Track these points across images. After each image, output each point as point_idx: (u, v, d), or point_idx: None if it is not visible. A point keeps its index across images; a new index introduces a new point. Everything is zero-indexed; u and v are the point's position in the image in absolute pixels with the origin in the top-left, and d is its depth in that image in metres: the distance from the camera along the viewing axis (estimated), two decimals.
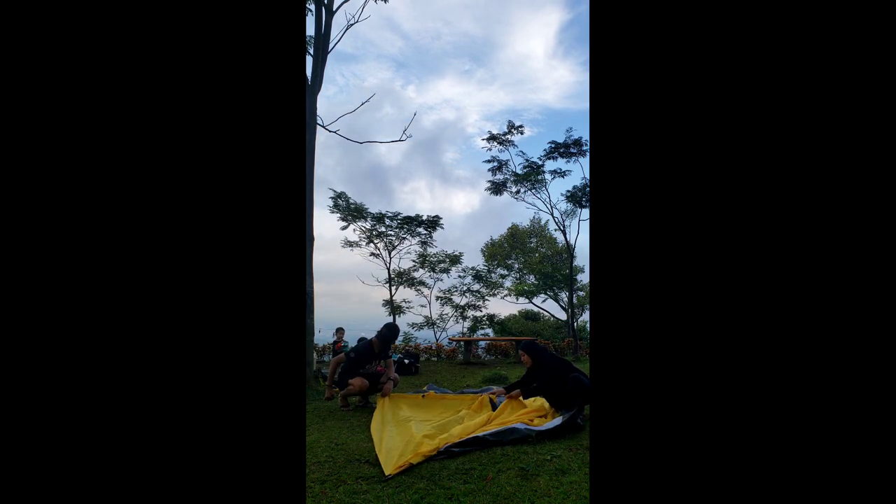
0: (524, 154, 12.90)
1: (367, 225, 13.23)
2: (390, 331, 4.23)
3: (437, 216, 13.60)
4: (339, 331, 8.98)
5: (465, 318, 15.07)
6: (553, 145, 12.37)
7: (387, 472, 2.23)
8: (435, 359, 9.75)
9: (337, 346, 8.78)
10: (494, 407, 3.55)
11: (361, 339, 8.71)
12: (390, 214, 13.20)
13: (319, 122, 5.82)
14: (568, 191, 13.01)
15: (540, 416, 3.19)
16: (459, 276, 15.01)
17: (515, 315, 17.64)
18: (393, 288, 14.00)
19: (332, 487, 2.04)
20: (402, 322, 14.40)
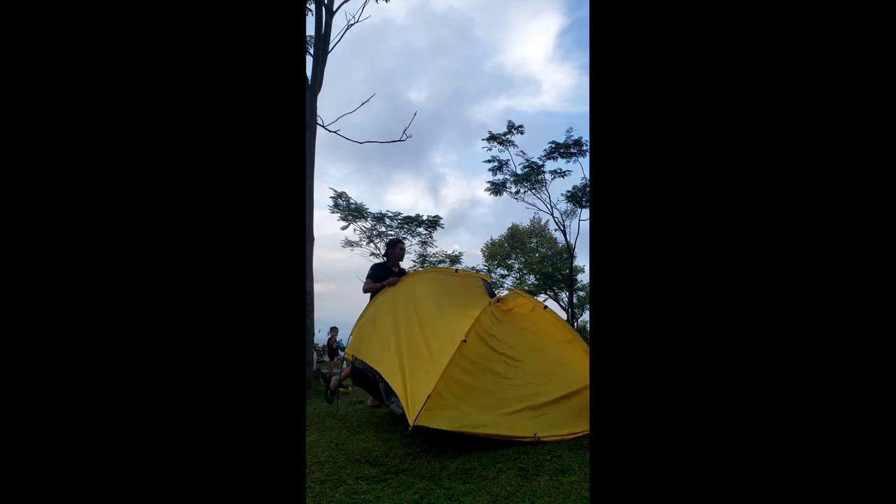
0: (524, 154, 12.90)
1: (368, 225, 13.24)
2: (392, 243, 4.13)
3: (437, 216, 13.62)
4: (334, 330, 9.20)
5: None
6: (553, 145, 12.38)
7: (411, 424, 2.37)
8: None
9: (331, 342, 8.94)
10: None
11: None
12: (391, 214, 13.22)
13: (319, 122, 5.82)
14: (568, 191, 13.03)
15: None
16: None
17: None
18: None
19: (332, 487, 2.04)
20: None
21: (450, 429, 2.45)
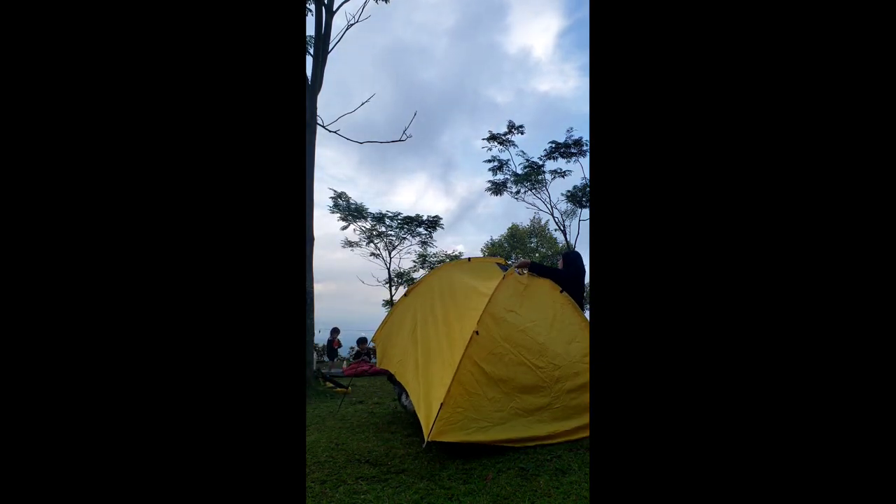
0: (524, 154, 12.93)
1: (367, 225, 13.26)
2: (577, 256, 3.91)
3: (437, 216, 13.64)
4: (335, 331, 9.27)
5: None
6: (553, 145, 12.41)
7: (427, 439, 2.25)
8: None
9: (335, 345, 8.98)
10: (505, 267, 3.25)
11: (361, 339, 8.84)
12: (390, 214, 13.23)
13: (319, 122, 5.82)
14: (568, 191, 13.05)
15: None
16: None
17: None
18: (393, 288, 14.03)
19: (332, 487, 2.04)
20: None
21: (464, 441, 2.36)
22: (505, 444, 2.47)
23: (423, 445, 2.31)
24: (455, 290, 3.12)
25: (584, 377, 2.84)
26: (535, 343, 2.80)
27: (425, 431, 2.33)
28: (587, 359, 2.91)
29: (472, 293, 2.95)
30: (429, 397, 2.50)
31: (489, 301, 2.73)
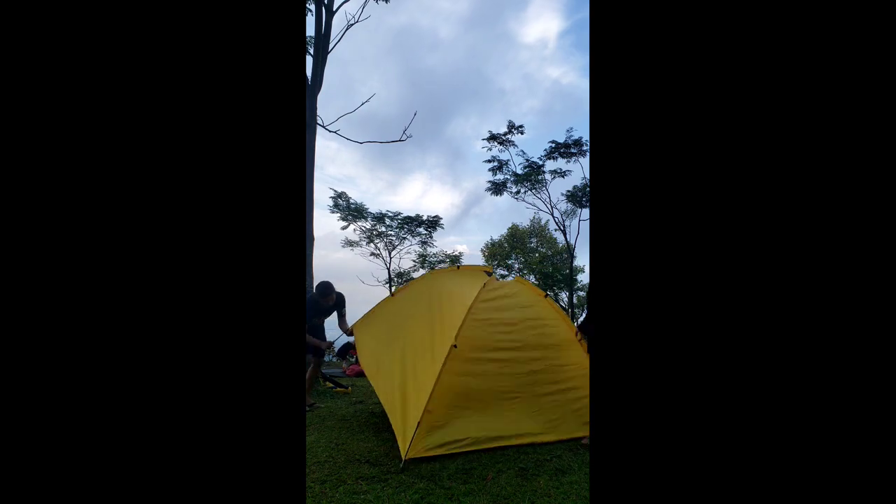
0: (524, 154, 12.95)
1: (367, 225, 13.27)
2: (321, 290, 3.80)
3: (437, 216, 13.65)
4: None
5: None
6: (553, 145, 12.41)
7: (404, 457, 2.27)
8: None
9: (352, 352, 8.81)
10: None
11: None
12: (391, 214, 13.24)
13: (319, 122, 5.82)
14: (568, 191, 13.06)
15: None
16: None
17: None
18: (393, 288, 14.04)
19: (332, 487, 2.04)
20: None
21: (442, 452, 2.39)
22: (483, 447, 2.51)
23: (402, 465, 2.30)
24: (438, 300, 3.16)
25: (564, 384, 2.92)
26: (513, 349, 2.88)
27: (402, 450, 2.35)
28: (564, 361, 3.00)
29: (455, 303, 2.99)
30: (405, 411, 2.53)
31: (468, 312, 2.79)
